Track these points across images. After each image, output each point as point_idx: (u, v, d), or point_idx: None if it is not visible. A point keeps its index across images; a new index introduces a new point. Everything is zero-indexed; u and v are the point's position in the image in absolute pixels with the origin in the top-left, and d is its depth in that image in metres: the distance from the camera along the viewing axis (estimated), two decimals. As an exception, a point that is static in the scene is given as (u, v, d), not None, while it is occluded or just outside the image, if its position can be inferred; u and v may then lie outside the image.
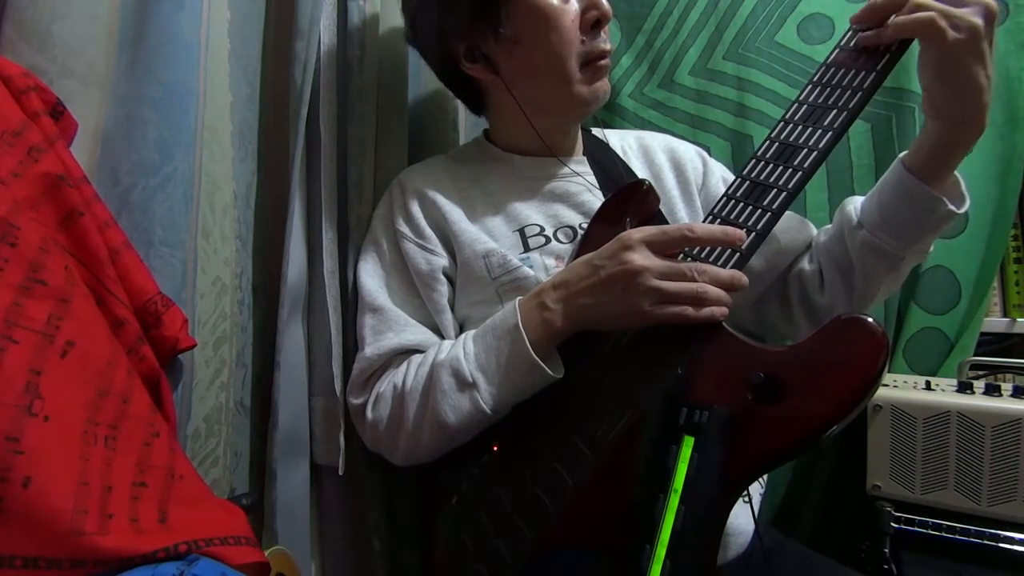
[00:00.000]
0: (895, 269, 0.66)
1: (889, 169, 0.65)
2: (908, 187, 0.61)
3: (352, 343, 0.74)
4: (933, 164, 0.61)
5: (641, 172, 0.80)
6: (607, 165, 0.79)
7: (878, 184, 0.66)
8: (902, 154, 0.64)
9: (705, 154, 0.85)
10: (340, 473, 0.73)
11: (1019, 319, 0.99)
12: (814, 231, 0.77)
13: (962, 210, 0.62)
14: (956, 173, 0.62)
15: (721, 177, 0.82)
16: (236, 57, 0.65)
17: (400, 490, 0.82)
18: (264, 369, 0.70)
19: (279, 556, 0.63)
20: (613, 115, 1.14)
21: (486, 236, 0.72)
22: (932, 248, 0.67)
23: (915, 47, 0.58)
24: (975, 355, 0.94)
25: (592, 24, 0.69)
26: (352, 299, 0.75)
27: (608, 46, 0.71)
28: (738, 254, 0.56)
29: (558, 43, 0.68)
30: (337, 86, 0.78)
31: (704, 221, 0.60)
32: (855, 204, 0.69)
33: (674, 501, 0.49)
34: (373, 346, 0.69)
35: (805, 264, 0.74)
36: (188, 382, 0.58)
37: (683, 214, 0.77)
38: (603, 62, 0.71)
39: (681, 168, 0.81)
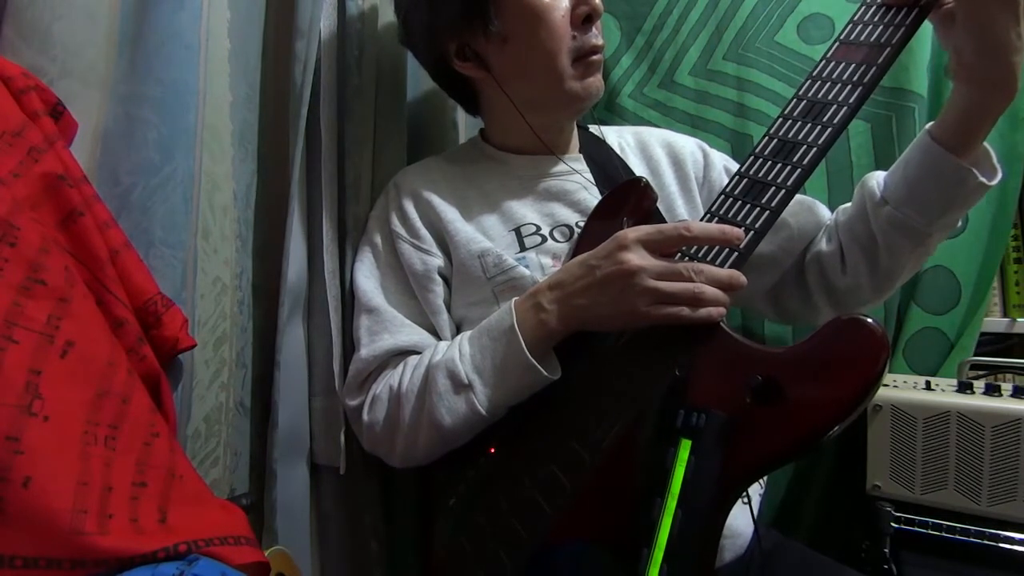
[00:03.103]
0: (922, 245, 0.64)
1: (914, 141, 0.62)
2: (936, 159, 0.59)
3: (351, 343, 0.74)
4: (962, 133, 0.58)
5: (639, 168, 0.79)
6: (604, 162, 0.78)
7: (903, 157, 0.64)
8: (928, 125, 0.61)
9: (706, 146, 0.84)
10: (341, 473, 0.73)
11: (1019, 319, 0.99)
12: (827, 213, 0.75)
13: (993, 182, 0.60)
14: (987, 145, 0.60)
15: (723, 167, 0.81)
16: (236, 57, 0.65)
17: (398, 491, 0.82)
18: (264, 369, 0.70)
19: (279, 556, 0.63)
20: (613, 115, 1.14)
21: (481, 236, 0.72)
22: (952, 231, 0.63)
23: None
24: (975, 355, 0.94)
25: (583, 19, 0.69)
26: (351, 299, 0.75)
27: (600, 41, 0.71)
28: (736, 253, 0.56)
29: (548, 39, 0.68)
30: (337, 85, 0.78)
31: (702, 219, 0.60)
32: (877, 179, 0.66)
33: (671, 504, 0.49)
34: (369, 347, 0.69)
35: (823, 245, 0.72)
36: (188, 382, 0.58)
37: (682, 210, 0.77)
38: (595, 57, 0.71)
39: (680, 163, 0.80)
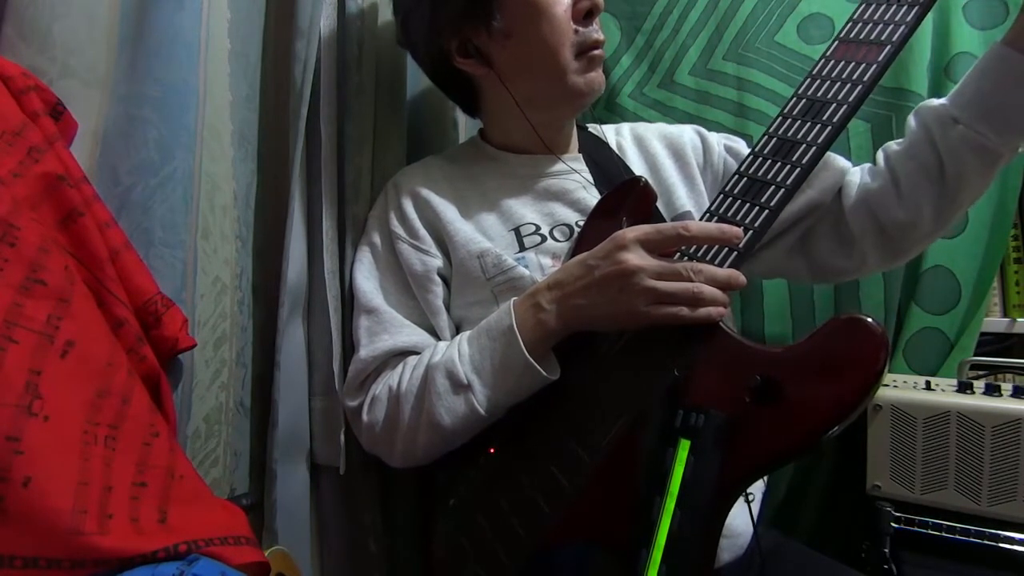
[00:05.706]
0: (989, 171, 0.62)
1: (984, 57, 0.60)
2: (1016, 66, 0.57)
3: (351, 343, 0.74)
4: None
5: (637, 165, 0.79)
6: (603, 162, 0.78)
7: (970, 74, 0.61)
8: (999, 39, 0.59)
9: (703, 130, 0.83)
10: (341, 473, 0.73)
11: (1019, 319, 0.99)
12: (843, 161, 0.73)
13: None
14: None
15: (724, 146, 0.80)
16: (236, 57, 0.65)
17: (398, 491, 0.82)
18: (264, 369, 0.70)
19: (279, 556, 0.63)
20: (613, 115, 1.14)
21: (481, 236, 0.72)
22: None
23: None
24: (975, 355, 0.94)
25: (585, 14, 0.69)
26: (351, 299, 0.75)
27: (601, 36, 0.71)
28: (735, 252, 0.56)
29: (551, 34, 0.68)
30: (337, 85, 0.78)
31: (701, 218, 0.60)
32: (939, 103, 0.64)
33: (670, 505, 0.49)
34: (368, 348, 0.69)
35: (870, 184, 0.69)
36: (188, 382, 0.58)
37: (684, 201, 0.76)
38: (597, 52, 0.71)
39: (680, 152, 0.80)
